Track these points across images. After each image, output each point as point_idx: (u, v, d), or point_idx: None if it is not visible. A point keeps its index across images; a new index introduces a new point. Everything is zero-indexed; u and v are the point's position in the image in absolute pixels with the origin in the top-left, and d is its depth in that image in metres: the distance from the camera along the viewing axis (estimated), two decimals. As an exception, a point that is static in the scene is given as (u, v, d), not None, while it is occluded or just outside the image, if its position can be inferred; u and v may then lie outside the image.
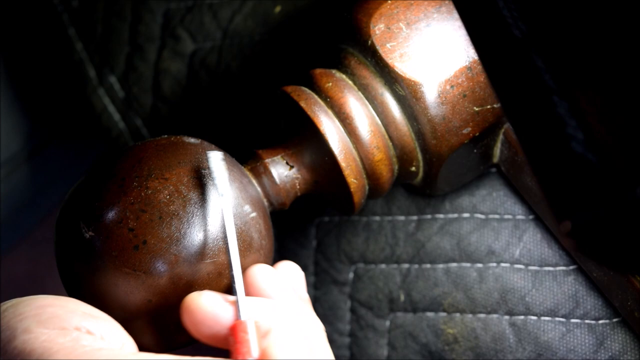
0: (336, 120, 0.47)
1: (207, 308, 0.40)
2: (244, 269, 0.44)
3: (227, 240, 0.42)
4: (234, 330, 0.39)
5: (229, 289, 0.44)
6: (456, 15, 0.47)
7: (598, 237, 0.30)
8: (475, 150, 0.49)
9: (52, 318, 0.40)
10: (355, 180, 0.47)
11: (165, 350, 0.45)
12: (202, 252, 0.42)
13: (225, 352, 0.44)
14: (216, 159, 0.43)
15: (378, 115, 0.47)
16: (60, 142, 0.79)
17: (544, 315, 0.49)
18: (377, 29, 0.47)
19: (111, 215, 0.42)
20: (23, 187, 0.78)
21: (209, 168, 0.43)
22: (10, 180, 0.76)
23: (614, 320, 0.48)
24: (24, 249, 0.78)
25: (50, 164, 0.79)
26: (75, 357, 0.38)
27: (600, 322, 0.48)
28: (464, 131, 0.47)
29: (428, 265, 0.51)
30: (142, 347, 0.44)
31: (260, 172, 0.47)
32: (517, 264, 0.50)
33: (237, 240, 0.44)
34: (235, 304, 0.40)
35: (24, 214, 0.79)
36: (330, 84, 0.47)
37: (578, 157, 0.30)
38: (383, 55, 0.46)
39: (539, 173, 0.31)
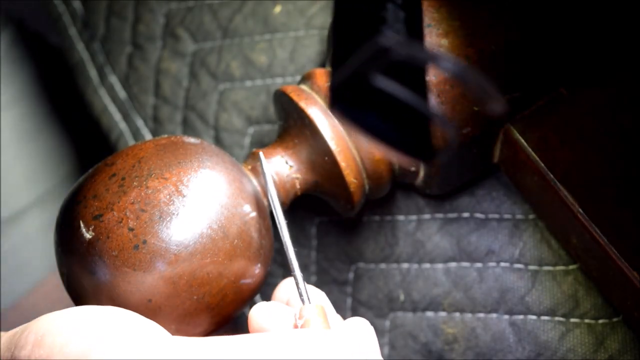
0: (335, 120, 0.47)
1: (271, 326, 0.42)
2: (244, 269, 0.44)
3: (289, 257, 0.45)
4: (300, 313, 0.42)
5: (229, 288, 0.44)
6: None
7: (351, 89, 0.31)
8: (475, 150, 0.49)
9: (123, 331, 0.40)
10: (355, 180, 0.47)
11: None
12: (202, 251, 0.42)
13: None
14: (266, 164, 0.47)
15: (378, 115, 0.47)
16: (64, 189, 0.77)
17: (544, 315, 0.49)
18: (377, 28, 0.47)
19: (111, 215, 0.42)
20: (27, 241, 0.75)
21: (262, 173, 0.47)
22: (13, 235, 0.74)
23: (614, 319, 0.48)
24: (29, 300, 0.76)
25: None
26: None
27: (600, 321, 0.49)
28: (464, 131, 0.47)
29: (428, 265, 0.51)
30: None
31: (259, 171, 0.47)
32: (516, 263, 0.50)
33: (237, 240, 0.44)
34: (299, 295, 0.43)
35: (27, 268, 0.76)
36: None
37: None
38: (383, 55, 0.46)
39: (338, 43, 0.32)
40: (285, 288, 0.46)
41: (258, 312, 0.42)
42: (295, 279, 0.43)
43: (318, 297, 0.45)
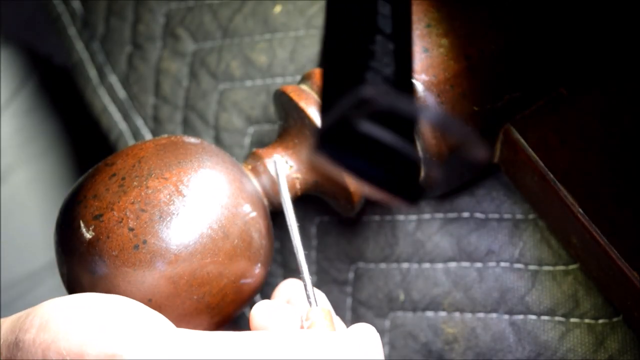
0: (336, 120, 0.47)
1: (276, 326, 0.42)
2: (245, 269, 0.44)
3: (300, 263, 0.44)
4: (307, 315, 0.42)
5: (229, 288, 0.44)
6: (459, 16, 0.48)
7: (339, 140, 0.31)
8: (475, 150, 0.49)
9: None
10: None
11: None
12: (202, 251, 0.42)
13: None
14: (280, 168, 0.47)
15: (378, 115, 0.47)
16: None
17: (544, 315, 0.49)
18: (377, 28, 0.47)
19: (111, 214, 0.42)
20: None
21: (277, 179, 0.47)
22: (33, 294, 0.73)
23: (614, 319, 0.48)
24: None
25: None
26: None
27: (600, 321, 0.49)
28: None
29: (428, 265, 0.51)
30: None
31: (260, 171, 0.47)
32: (516, 263, 0.50)
33: (237, 240, 0.44)
34: (307, 297, 0.43)
35: None
36: (330, 83, 0.47)
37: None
38: (383, 55, 0.46)
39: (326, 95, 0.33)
40: (286, 288, 0.46)
41: (259, 311, 0.42)
42: (304, 281, 0.43)
43: (321, 299, 0.45)
